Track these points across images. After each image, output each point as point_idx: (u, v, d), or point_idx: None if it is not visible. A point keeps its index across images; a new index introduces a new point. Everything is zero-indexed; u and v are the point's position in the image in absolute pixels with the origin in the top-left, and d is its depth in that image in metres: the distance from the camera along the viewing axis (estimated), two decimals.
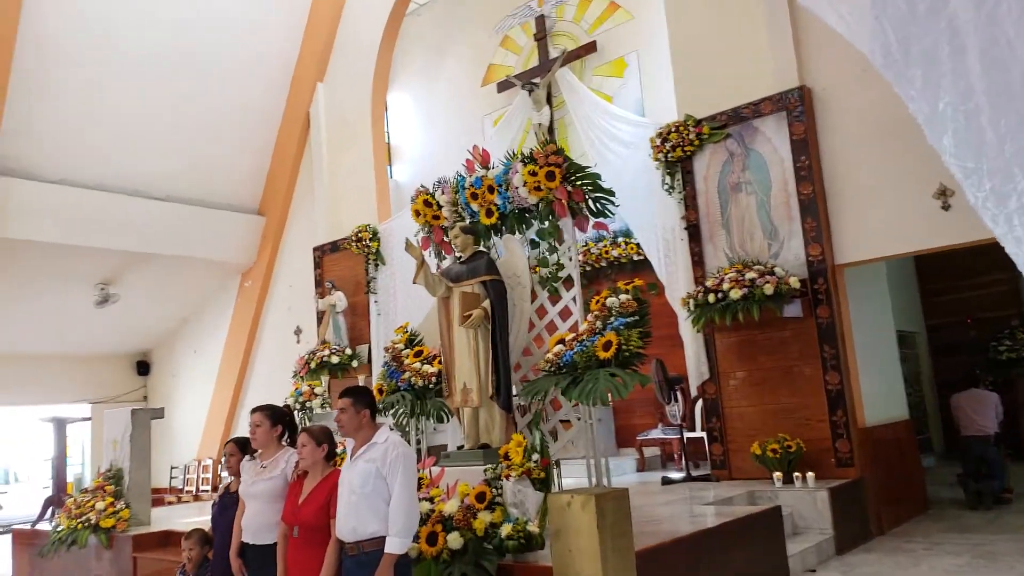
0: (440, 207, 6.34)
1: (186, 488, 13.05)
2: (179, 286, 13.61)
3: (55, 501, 9.68)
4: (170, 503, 11.91)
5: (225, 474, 4.71)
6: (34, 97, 10.54)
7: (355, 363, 11.27)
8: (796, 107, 7.61)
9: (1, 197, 10.46)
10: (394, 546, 3.52)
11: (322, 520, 3.75)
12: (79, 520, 7.19)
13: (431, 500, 4.64)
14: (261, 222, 13.57)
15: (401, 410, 6.12)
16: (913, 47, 2.06)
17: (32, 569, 8.14)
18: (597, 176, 5.71)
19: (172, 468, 13.81)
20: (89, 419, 13.79)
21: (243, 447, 4.44)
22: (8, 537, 9.08)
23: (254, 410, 4.30)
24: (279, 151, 13.38)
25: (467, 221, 6.16)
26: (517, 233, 6.07)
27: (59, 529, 7.39)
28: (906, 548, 6.64)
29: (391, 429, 6.40)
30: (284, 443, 4.31)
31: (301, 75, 13.01)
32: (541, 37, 11.76)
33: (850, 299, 7.63)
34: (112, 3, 10.72)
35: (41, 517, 9.92)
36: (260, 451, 4.27)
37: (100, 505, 7.15)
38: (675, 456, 9.47)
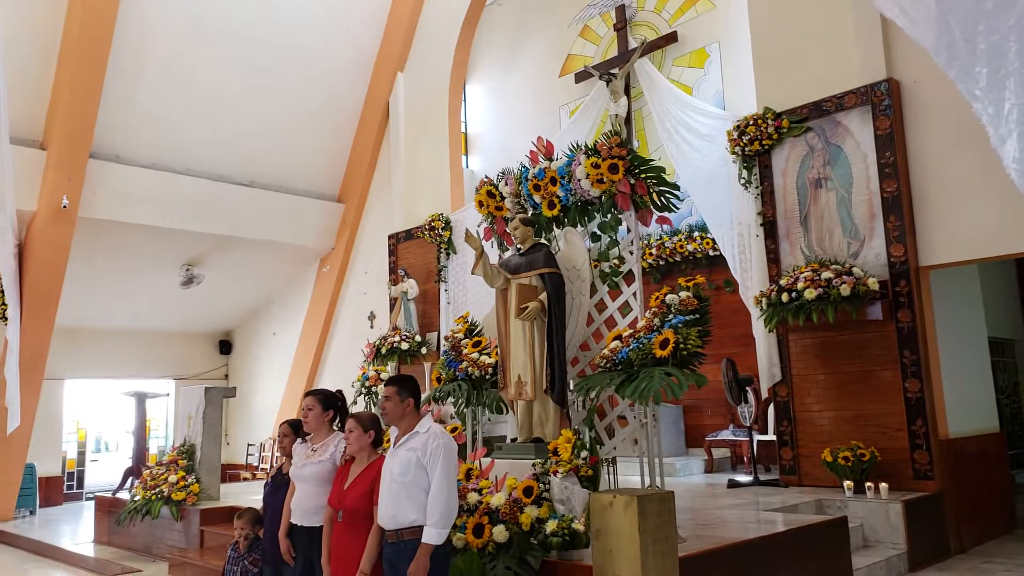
0: (503, 198, 6.29)
1: (261, 465, 13.48)
2: (261, 269, 14.05)
3: (134, 471, 10.12)
4: (245, 479, 12.34)
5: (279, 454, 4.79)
6: (128, 86, 11.06)
7: (424, 350, 11.40)
8: (883, 100, 7.23)
9: (96, 180, 11.01)
10: (431, 536, 3.52)
11: (366, 506, 3.78)
12: (153, 492, 7.51)
13: (479, 491, 4.62)
14: (340, 209, 13.85)
15: (458, 399, 6.12)
16: (979, 44, 1.94)
17: (111, 535, 8.56)
18: (661, 169, 5.56)
19: (249, 445, 14.30)
20: (167, 395, 14.40)
21: (297, 429, 4.51)
22: (92, 503, 9.56)
23: (307, 394, 4.37)
24: (359, 140, 13.64)
25: (529, 213, 6.10)
26: (579, 226, 5.97)
27: (135, 499, 7.73)
28: (985, 568, 6.27)
29: (452, 417, 6.46)
30: (335, 428, 4.37)
31: (382, 66, 13.21)
32: (621, 27, 11.55)
33: (936, 303, 7.22)
34: None
35: (121, 486, 10.41)
36: (311, 434, 4.33)
37: (172, 478, 7.45)
38: (744, 459, 9.21)
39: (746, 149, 8.07)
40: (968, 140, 6.75)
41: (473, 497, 4.54)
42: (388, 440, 3.99)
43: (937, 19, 2.02)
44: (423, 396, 6.10)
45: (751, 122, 8.04)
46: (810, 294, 7.04)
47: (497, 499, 4.45)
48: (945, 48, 2.06)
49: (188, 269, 12.96)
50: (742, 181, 8.16)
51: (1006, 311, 11.34)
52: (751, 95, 8.54)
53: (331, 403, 4.40)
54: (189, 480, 7.56)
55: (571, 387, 5.65)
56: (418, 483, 3.58)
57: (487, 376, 5.98)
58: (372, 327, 12.85)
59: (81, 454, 14.14)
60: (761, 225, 8.03)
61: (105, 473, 14.04)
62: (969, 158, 6.80)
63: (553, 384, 5.46)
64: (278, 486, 4.50)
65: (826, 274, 7.08)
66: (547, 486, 4.53)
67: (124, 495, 8.76)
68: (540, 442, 5.46)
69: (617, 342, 5.23)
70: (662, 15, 11.26)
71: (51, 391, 12.81)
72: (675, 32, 10.97)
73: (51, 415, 13.11)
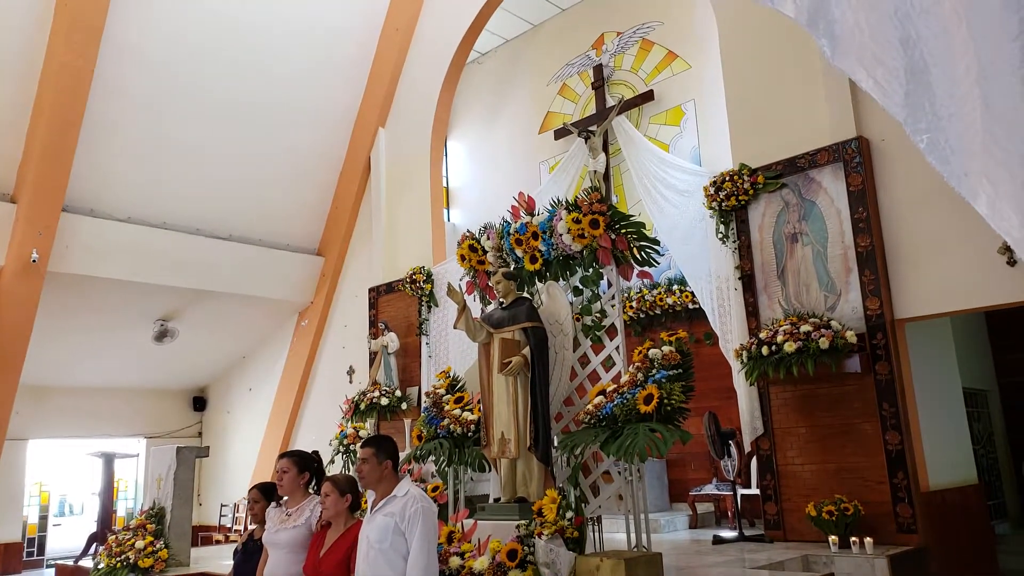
0: (485, 252, 6.30)
1: (234, 527, 13.09)
2: (237, 324, 13.85)
3: (99, 537, 9.62)
4: (218, 541, 11.95)
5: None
6: (104, 139, 10.95)
7: (404, 405, 11.24)
8: (853, 158, 7.39)
9: (69, 234, 10.83)
10: None
11: (342, 574, 3.65)
12: (118, 559, 7.14)
13: (461, 556, 4.52)
14: (319, 262, 13.77)
15: (440, 458, 6.01)
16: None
17: None
18: (641, 224, 5.61)
19: (222, 506, 13.92)
20: (136, 455, 13.94)
21: (267, 494, 4.37)
22: (53, 572, 9.07)
23: (281, 456, 4.25)
24: (340, 194, 13.62)
25: (511, 267, 6.10)
26: (561, 280, 5.98)
27: (99, 567, 7.36)
28: None
29: (433, 476, 6.34)
30: (311, 491, 4.25)
31: (363, 121, 13.27)
32: (599, 85, 11.79)
33: (912, 355, 7.27)
34: (182, 49, 11.15)
35: (85, 553, 9.86)
36: (286, 498, 4.21)
37: (139, 544, 7.11)
38: (729, 513, 9.11)
39: (723, 204, 8.17)
40: (937, 195, 6.89)
41: (455, 561, 4.43)
42: (365, 504, 3.89)
43: (908, 93, 2.08)
44: (403, 455, 6.01)
45: (727, 178, 8.15)
46: (790, 347, 7.06)
47: (480, 563, 4.35)
48: (913, 121, 2.12)
49: (162, 324, 12.74)
50: (719, 235, 8.24)
51: (978, 362, 11.46)
52: (726, 151, 8.68)
53: (307, 465, 4.28)
54: (157, 546, 7.21)
55: (555, 444, 5.57)
56: (396, 549, 3.47)
57: (469, 433, 5.89)
58: (351, 382, 12.67)
59: (43, 518, 13.53)
60: (739, 279, 8.08)
61: (69, 538, 13.44)
62: (939, 213, 6.92)
63: (537, 441, 5.38)
64: (250, 553, 4.33)
65: (805, 327, 7.11)
66: (532, 549, 4.42)
67: (87, 562, 8.31)
68: (524, 502, 5.36)
69: (601, 397, 5.20)
70: (639, 74, 11.50)
71: (13, 452, 12.32)
72: (651, 91, 11.19)
73: (12, 477, 12.63)
